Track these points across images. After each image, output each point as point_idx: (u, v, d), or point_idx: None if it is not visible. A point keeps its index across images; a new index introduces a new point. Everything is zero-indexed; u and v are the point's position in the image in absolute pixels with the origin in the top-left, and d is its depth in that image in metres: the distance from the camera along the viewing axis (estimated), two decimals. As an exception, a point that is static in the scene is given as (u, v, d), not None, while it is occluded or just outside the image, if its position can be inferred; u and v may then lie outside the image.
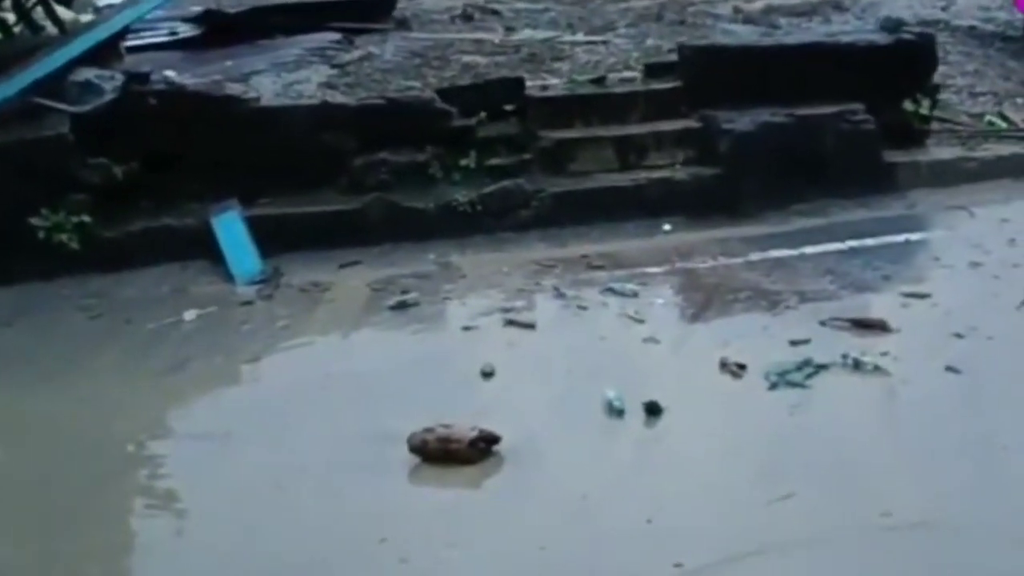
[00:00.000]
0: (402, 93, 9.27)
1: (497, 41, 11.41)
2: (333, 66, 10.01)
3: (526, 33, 11.87)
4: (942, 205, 9.51)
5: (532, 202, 8.95)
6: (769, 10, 13.40)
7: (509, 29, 12.10)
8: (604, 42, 11.44)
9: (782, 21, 12.72)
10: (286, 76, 9.67)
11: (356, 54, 10.45)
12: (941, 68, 11.35)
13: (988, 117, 10.95)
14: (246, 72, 9.71)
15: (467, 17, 12.81)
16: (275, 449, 5.99)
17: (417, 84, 9.56)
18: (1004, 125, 10.86)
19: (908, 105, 10.12)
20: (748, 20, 12.81)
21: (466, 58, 10.50)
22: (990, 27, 13.43)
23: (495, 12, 13.17)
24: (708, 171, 9.37)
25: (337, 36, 11.05)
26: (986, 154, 10.14)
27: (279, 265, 8.26)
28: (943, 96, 11.03)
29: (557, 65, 10.56)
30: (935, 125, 10.49)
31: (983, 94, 11.51)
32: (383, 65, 10.17)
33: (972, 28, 13.39)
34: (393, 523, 5.33)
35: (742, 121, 9.42)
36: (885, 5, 13.90)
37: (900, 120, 10.06)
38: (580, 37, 11.72)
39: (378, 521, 5.34)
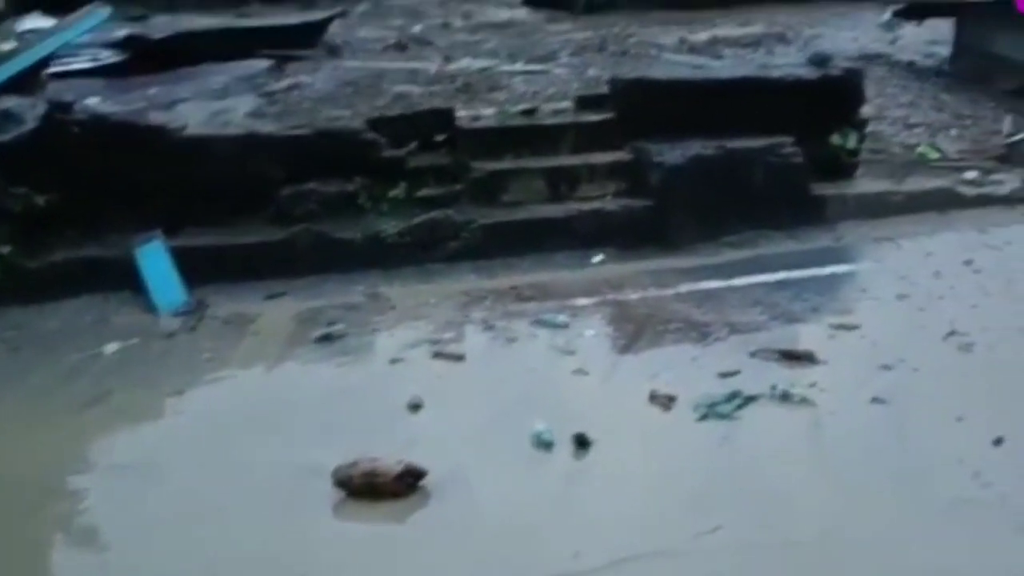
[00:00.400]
0: (330, 123, 9.15)
1: (433, 71, 11.35)
2: (261, 95, 9.87)
3: (464, 62, 11.83)
4: (869, 237, 9.59)
5: (462, 233, 8.88)
6: (714, 41, 13.52)
7: (447, 59, 12.06)
8: (543, 72, 11.42)
9: (727, 52, 12.83)
10: (213, 104, 9.53)
11: (286, 82, 10.32)
12: (877, 100, 11.70)
13: (920, 148, 11.11)
14: (172, 100, 9.56)
15: (400, 47, 12.74)
16: (198, 482, 5.89)
17: (347, 113, 9.47)
18: (935, 156, 11.03)
19: (836, 139, 10.22)
20: (693, 50, 12.89)
21: (399, 87, 10.43)
22: (929, 62, 13.72)
23: (430, 43, 13.14)
24: (639, 203, 9.37)
25: (266, 63, 10.92)
26: (912, 187, 10.26)
27: (204, 297, 8.11)
28: (879, 127, 11.20)
29: (493, 95, 10.54)
30: (868, 155, 10.62)
31: (917, 125, 11.72)
32: (313, 94, 10.05)
33: (911, 63, 13.70)
34: (317, 558, 5.26)
35: (673, 154, 9.44)
36: (829, 38, 14.14)
37: (828, 153, 10.14)
38: (519, 67, 11.70)
39: (301, 556, 5.27)
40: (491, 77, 11.21)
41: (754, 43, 13.49)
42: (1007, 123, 11.71)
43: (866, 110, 11.04)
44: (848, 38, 14.43)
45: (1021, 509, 5.53)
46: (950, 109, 12.24)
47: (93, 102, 9.24)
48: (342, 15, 13.31)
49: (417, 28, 14.20)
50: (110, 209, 8.35)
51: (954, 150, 11.14)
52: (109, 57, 10.95)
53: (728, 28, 14.56)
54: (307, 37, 11.93)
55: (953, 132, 11.59)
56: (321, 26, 12.44)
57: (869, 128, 10.94)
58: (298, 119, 9.26)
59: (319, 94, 10.11)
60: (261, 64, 10.86)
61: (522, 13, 16.31)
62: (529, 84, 11.04)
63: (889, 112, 11.89)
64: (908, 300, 8.25)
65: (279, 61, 11.04)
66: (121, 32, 11.29)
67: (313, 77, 10.62)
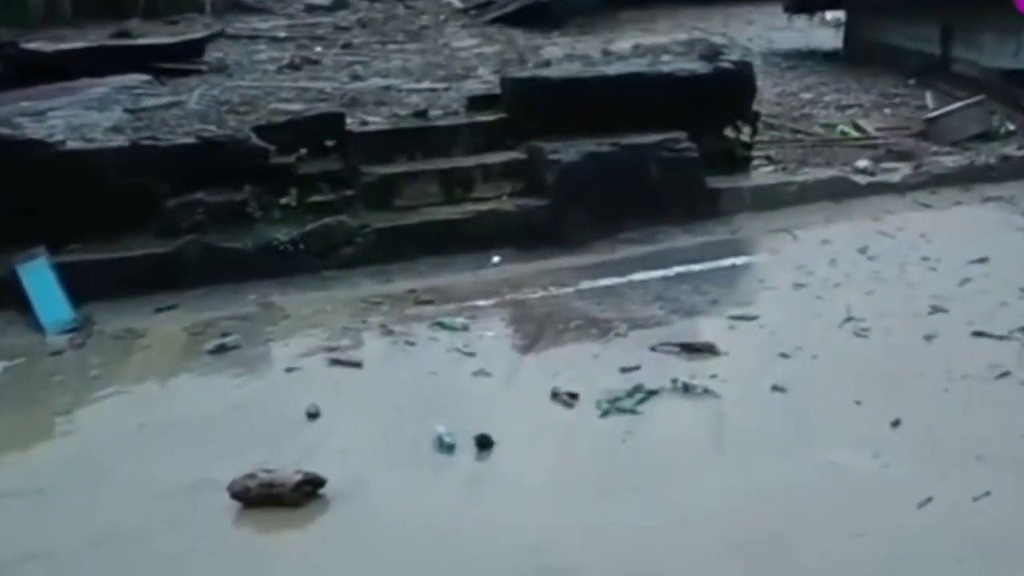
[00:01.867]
0: (215, 132, 8.91)
1: (329, 89, 11.09)
2: (128, 111, 9.53)
3: (372, 81, 11.56)
4: (766, 229, 9.68)
5: (356, 239, 8.73)
6: (640, 49, 13.52)
7: (356, 78, 11.81)
8: (446, 88, 11.18)
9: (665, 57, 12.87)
10: (77, 117, 9.14)
11: (165, 99, 10.01)
12: (819, 87, 12.47)
13: (840, 127, 11.26)
14: (40, 111, 9.20)
15: (295, 67, 12.41)
16: (90, 504, 5.69)
17: (213, 128, 9.17)
18: (856, 134, 11.20)
19: (729, 132, 10.27)
20: (620, 59, 12.83)
21: (280, 105, 10.16)
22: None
23: (350, 61, 12.81)
24: (535, 202, 9.33)
25: (147, 76, 10.61)
26: (806, 178, 10.38)
27: (92, 313, 7.86)
28: (814, 110, 11.65)
29: (381, 108, 10.34)
30: (787, 135, 10.90)
31: (850, 106, 12.10)
32: (182, 111, 9.70)
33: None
34: (214, 573, 5.09)
35: (567, 151, 9.42)
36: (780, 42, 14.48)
37: (723, 147, 10.20)
38: (424, 84, 11.48)
39: (199, 572, 5.11)
40: (383, 92, 10.99)
41: (685, 51, 13.50)
42: (928, 99, 12.00)
43: (805, 96, 11.23)
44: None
45: (921, 487, 5.56)
46: (877, 89, 12.62)
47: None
48: (220, 34, 13.02)
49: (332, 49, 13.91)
50: (-11, 226, 8.06)
51: (873, 128, 11.35)
52: None
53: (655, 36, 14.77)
54: (186, 56, 11.70)
55: (888, 111, 11.95)
56: (199, 44, 12.22)
57: (805, 110, 11.12)
58: (158, 134, 8.92)
59: (189, 111, 9.76)
60: (140, 78, 10.51)
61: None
62: (425, 99, 10.82)
63: (826, 97, 12.34)
64: (805, 289, 8.33)
65: (160, 75, 10.73)
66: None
67: (189, 95, 10.33)
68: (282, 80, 11.57)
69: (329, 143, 9.15)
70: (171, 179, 8.48)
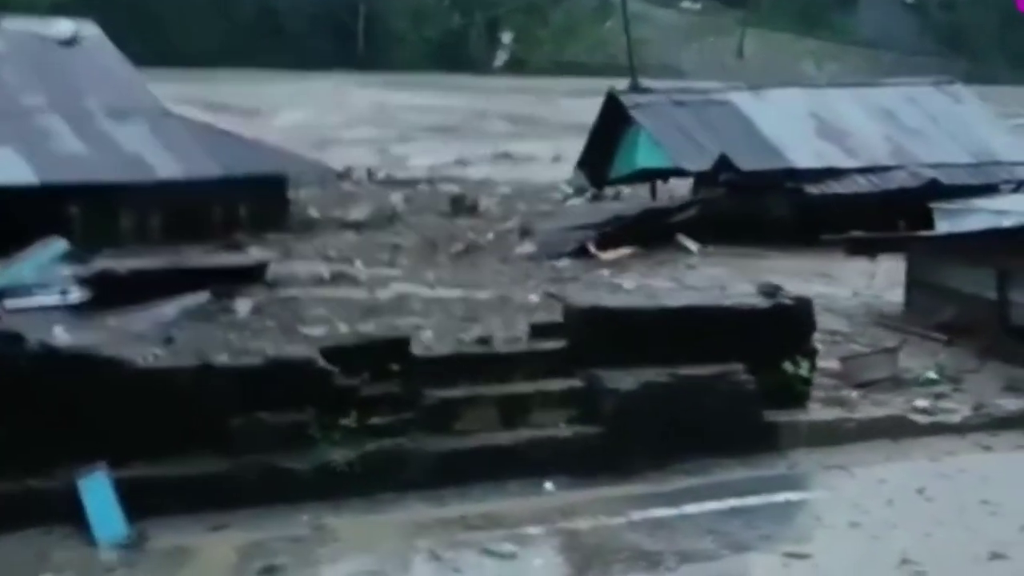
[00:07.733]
0: (283, 353, 9.14)
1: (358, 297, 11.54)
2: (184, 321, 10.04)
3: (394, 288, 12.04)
4: (822, 465, 9.62)
5: (412, 462, 8.83)
6: None
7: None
8: (463, 299, 11.52)
9: None
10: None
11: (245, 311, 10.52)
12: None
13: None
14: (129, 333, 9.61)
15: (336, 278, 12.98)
16: None
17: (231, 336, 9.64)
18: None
19: (788, 367, 10.30)
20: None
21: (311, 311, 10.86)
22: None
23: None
24: (592, 430, 9.41)
25: (206, 296, 11.04)
26: (863, 415, 10.32)
27: (147, 528, 7.95)
28: None
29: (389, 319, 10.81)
30: None
31: None
32: (229, 319, 10.29)
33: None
34: None
35: (626, 381, 9.54)
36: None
37: (780, 381, 10.22)
38: (443, 293, 11.84)
39: None
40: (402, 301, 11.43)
41: None
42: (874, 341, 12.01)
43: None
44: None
45: None
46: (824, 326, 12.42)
47: (59, 332, 9.25)
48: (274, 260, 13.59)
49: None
50: (55, 440, 8.24)
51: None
52: (77, 294, 11.02)
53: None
54: (245, 278, 12.21)
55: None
56: (259, 270, 12.75)
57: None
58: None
59: (239, 320, 10.29)
60: (204, 296, 10.97)
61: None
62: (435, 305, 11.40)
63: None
64: (861, 528, 8.26)
65: (219, 294, 11.19)
66: (92, 268, 11.46)
67: (239, 305, 10.89)
68: (314, 291, 12.24)
69: (393, 366, 9.30)
70: (238, 398, 8.68)
